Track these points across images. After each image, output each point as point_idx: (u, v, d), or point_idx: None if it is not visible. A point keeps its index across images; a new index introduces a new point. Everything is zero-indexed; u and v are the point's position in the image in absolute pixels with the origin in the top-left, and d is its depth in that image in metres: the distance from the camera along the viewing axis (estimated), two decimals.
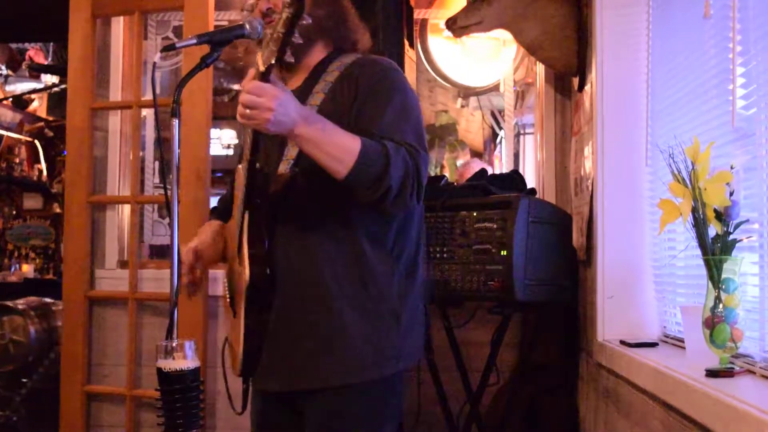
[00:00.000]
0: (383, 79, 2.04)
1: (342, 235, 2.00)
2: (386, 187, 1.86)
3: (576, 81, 3.17)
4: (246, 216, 2.02)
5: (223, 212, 2.30)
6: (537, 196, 3.39)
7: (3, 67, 8.06)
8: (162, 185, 2.01)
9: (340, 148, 1.84)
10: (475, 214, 2.92)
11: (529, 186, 3.26)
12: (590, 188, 2.81)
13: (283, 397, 2.09)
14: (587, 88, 2.95)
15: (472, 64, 4.52)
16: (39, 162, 8.41)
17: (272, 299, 2.03)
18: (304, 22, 1.70)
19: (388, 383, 2.04)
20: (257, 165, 1.99)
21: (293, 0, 1.70)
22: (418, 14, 4.40)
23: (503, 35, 4.17)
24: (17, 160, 8.35)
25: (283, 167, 2.04)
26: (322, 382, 2.00)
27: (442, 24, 4.40)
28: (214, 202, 3.79)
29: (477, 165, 4.52)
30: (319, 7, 2.09)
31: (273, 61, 1.75)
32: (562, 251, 3.03)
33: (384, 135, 1.92)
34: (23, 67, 8.03)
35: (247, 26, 2.02)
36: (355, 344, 1.98)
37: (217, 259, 2.22)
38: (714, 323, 1.73)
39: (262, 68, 1.75)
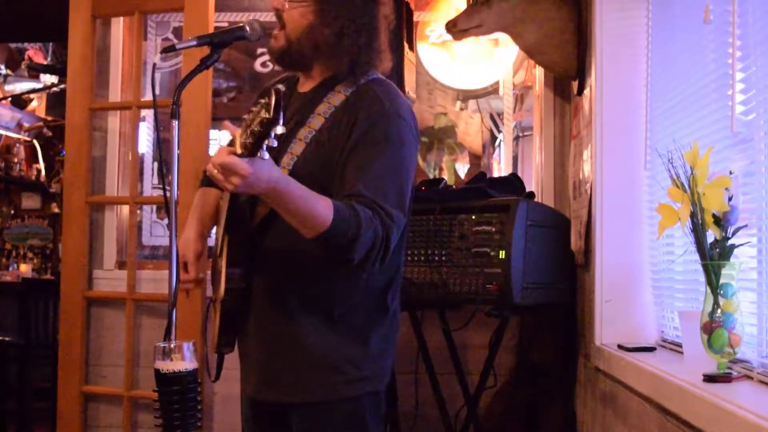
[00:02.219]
0: (382, 126, 1.98)
1: (314, 265, 2.01)
2: (348, 258, 1.88)
3: (575, 84, 3.17)
4: (226, 239, 2.06)
5: None
6: (535, 199, 3.39)
7: (2, 67, 8.05)
8: (161, 186, 2.01)
9: (311, 219, 1.83)
10: (473, 217, 2.91)
11: (527, 189, 3.26)
12: (589, 192, 2.81)
13: (269, 406, 2.13)
14: (586, 91, 2.95)
15: (463, 68, 4.51)
16: (37, 162, 8.41)
17: (246, 312, 2.10)
18: (279, 131, 1.65)
19: (358, 405, 2.06)
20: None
21: (273, 107, 1.62)
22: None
23: (496, 36, 4.16)
24: (16, 160, 8.35)
25: None
26: (285, 396, 2.06)
27: (427, 31, 4.41)
28: None
29: None
30: (323, 29, 2.03)
31: (247, 153, 1.69)
32: (560, 255, 3.03)
33: (366, 193, 1.90)
34: (22, 66, 8.03)
35: (248, 28, 2.02)
36: (319, 365, 2.03)
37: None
38: (712, 328, 1.73)
39: (238, 152, 1.70)
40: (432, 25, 4.46)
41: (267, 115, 1.61)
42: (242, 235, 2.06)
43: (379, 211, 1.90)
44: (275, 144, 1.67)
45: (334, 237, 1.83)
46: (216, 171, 1.73)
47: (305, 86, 2.14)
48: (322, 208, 1.83)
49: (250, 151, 1.67)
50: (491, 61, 4.43)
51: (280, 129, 1.63)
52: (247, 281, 2.07)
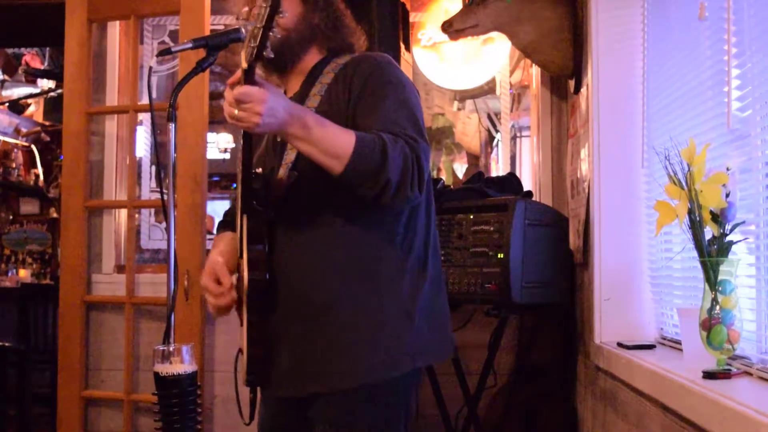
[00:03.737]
0: (377, 74, 2.01)
1: (346, 234, 1.97)
2: (385, 181, 1.81)
3: (572, 83, 3.17)
4: (244, 220, 2.00)
5: (231, 224, 2.26)
6: (533, 198, 3.39)
7: None
8: (159, 189, 2.01)
9: (334, 144, 1.80)
10: (471, 217, 2.92)
11: (525, 188, 3.26)
12: (587, 190, 2.81)
13: (292, 403, 2.05)
14: (583, 90, 2.95)
15: (453, 69, 4.50)
16: (36, 167, 8.41)
17: (274, 304, 2.00)
18: (281, 16, 1.69)
19: (399, 384, 1.99)
20: (254, 168, 1.99)
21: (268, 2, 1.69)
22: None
23: (484, 35, 4.15)
24: (14, 165, 8.35)
25: (282, 172, 2.04)
26: (331, 385, 1.96)
27: (419, 34, 4.42)
28: (211, 206, 3.80)
29: None
30: (314, 13, 2.10)
31: (254, 57, 1.73)
32: (558, 253, 3.03)
33: (382, 129, 1.87)
34: (19, 72, 8.02)
35: (243, 30, 2.02)
36: (363, 345, 1.94)
37: (233, 269, 2.15)
38: (711, 325, 1.73)
39: (244, 65, 1.73)
40: (423, 28, 4.46)
41: (266, 4, 1.66)
42: (261, 221, 2.00)
43: (400, 133, 1.87)
44: (279, 36, 1.72)
45: (363, 160, 1.79)
46: (234, 112, 1.72)
47: (294, 87, 2.16)
48: (342, 131, 1.82)
49: (257, 52, 1.69)
50: (480, 61, 4.42)
51: (282, 15, 1.67)
52: (270, 270, 1.98)
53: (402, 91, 1.99)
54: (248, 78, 1.75)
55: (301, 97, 2.08)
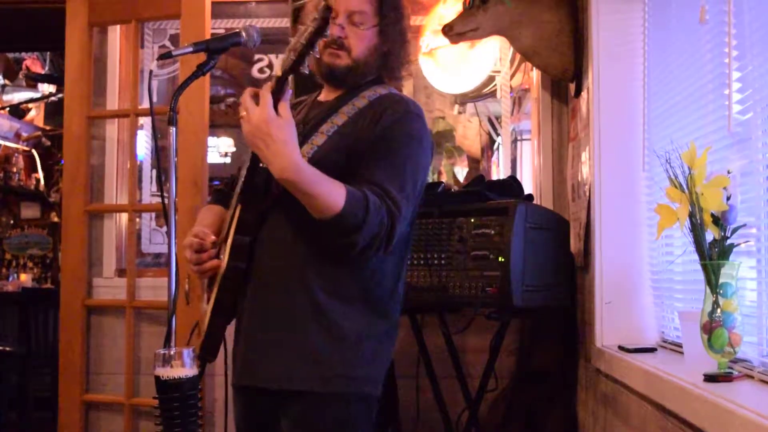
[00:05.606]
0: (404, 123, 2.09)
1: (320, 259, 2.04)
2: (352, 242, 1.92)
3: (572, 87, 3.17)
4: (238, 209, 2.08)
5: (226, 197, 2.32)
6: (534, 202, 3.39)
7: (0, 77, 8.05)
8: (159, 193, 2.01)
9: (321, 200, 1.89)
10: (472, 220, 2.91)
11: (526, 192, 3.26)
12: (587, 194, 2.81)
13: (263, 397, 2.10)
14: (584, 93, 2.95)
15: (448, 74, 4.49)
16: (36, 171, 8.41)
17: (245, 292, 2.10)
18: (325, 38, 1.82)
19: (349, 399, 2.06)
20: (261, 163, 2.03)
21: (319, 18, 1.78)
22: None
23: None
24: (15, 170, 8.35)
25: None
26: (268, 381, 2.05)
27: (420, 41, 4.42)
28: None
29: None
30: (386, 45, 2.18)
31: (289, 69, 1.84)
32: (559, 257, 3.03)
33: (381, 182, 1.97)
34: (20, 76, 8.02)
35: (244, 34, 2.02)
36: (306, 352, 2.02)
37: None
38: (712, 328, 1.73)
39: (279, 73, 1.83)
40: (422, 35, 4.45)
41: (315, 25, 1.78)
42: (253, 213, 2.08)
43: (387, 201, 1.96)
44: (318, 55, 1.88)
45: (343, 221, 1.89)
46: (246, 102, 1.87)
47: (330, 95, 2.23)
48: (335, 192, 1.89)
49: (292, 65, 1.81)
50: (470, 65, 4.42)
51: (328, 32, 1.81)
52: (249, 262, 2.08)
53: (416, 148, 2.09)
54: (278, 86, 1.85)
55: (329, 110, 2.15)
